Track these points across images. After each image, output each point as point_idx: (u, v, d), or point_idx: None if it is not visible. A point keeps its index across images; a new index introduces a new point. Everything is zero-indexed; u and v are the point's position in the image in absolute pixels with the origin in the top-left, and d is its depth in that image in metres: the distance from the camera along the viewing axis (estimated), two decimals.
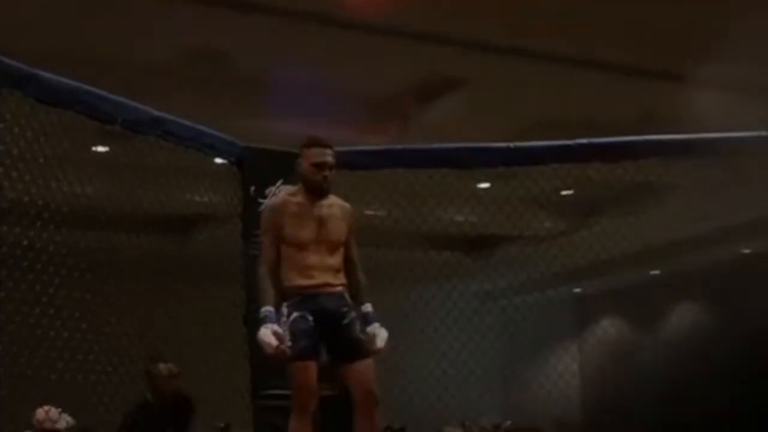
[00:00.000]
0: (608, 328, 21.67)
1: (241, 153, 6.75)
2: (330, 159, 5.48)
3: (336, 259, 5.44)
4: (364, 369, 5.34)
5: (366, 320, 5.47)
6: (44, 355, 6.53)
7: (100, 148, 10.81)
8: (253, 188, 6.65)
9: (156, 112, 6.29)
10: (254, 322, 6.36)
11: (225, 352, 7.07)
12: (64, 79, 5.77)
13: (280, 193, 6.01)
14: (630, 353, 19.24)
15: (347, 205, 5.62)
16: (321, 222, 5.42)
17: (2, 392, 5.96)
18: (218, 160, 6.78)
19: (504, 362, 23.01)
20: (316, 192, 5.47)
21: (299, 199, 5.50)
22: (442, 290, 10.32)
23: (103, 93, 6.00)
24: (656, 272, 21.24)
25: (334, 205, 5.53)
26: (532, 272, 13.09)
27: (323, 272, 5.37)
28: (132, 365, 7.08)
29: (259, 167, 6.72)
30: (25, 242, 6.10)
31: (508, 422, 19.65)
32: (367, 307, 5.51)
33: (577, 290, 24.24)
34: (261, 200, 6.59)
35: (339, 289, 5.42)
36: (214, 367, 7.65)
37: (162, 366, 6.98)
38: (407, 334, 5.65)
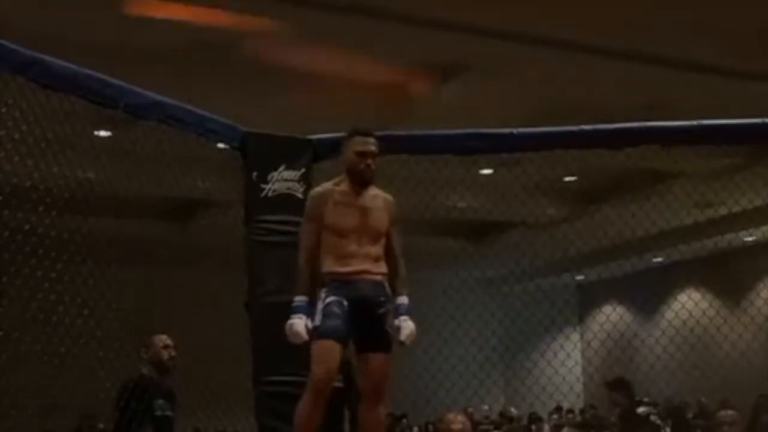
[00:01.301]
0: (610, 314, 21.66)
1: (243, 138, 6.73)
2: (373, 148, 5.55)
3: (376, 248, 5.45)
4: (382, 363, 5.37)
5: (397, 311, 5.45)
6: (47, 341, 6.53)
7: (103, 133, 10.80)
8: (255, 174, 6.62)
9: (158, 97, 6.27)
10: (256, 307, 6.40)
11: (227, 338, 7.07)
12: (66, 64, 5.75)
13: (326, 183, 6.02)
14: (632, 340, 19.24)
15: (390, 197, 5.66)
16: (364, 211, 5.46)
17: (4, 378, 5.96)
18: (220, 145, 6.76)
19: (506, 349, 23.02)
20: (359, 181, 5.53)
21: (343, 188, 5.55)
22: (444, 277, 10.33)
23: (106, 77, 5.98)
24: (659, 259, 21.25)
25: (377, 196, 5.58)
26: (535, 259, 13.08)
27: (362, 260, 5.38)
28: (134, 351, 7.09)
29: (261, 152, 6.69)
30: (27, 227, 6.09)
31: (512, 409, 19.67)
32: (402, 299, 5.49)
33: (579, 277, 24.24)
34: (263, 185, 6.57)
35: (379, 277, 5.43)
36: (215, 352, 7.64)
37: (158, 337, 7.01)
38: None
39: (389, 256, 5.53)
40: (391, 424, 18.52)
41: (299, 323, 5.27)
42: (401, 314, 5.46)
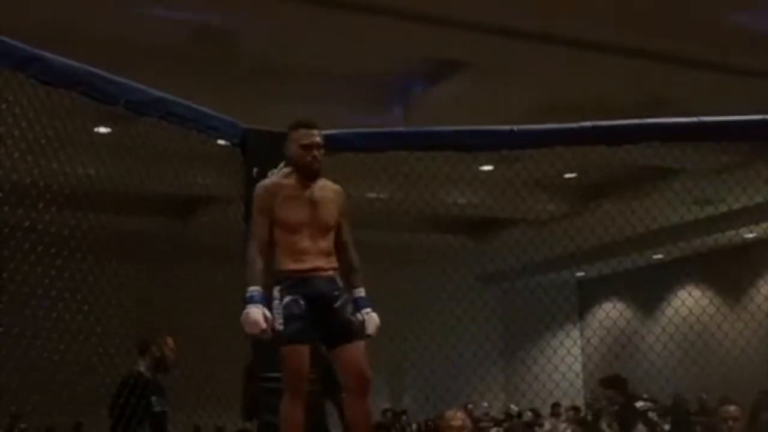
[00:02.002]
0: (610, 311, 21.67)
1: (244, 135, 6.73)
2: (318, 139, 5.50)
3: (328, 243, 5.42)
4: (355, 351, 5.33)
5: (358, 305, 5.44)
6: (46, 337, 6.53)
7: (103, 129, 10.80)
8: (255, 170, 6.61)
9: (159, 93, 6.27)
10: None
11: (227, 334, 7.07)
12: (66, 60, 5.75)
13: (273, 175, 5.98)
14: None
15: (338, 187, 5.60)
16: (313, 205, 5.42)
17: (3, 375, 5.96)
18: (221, 142, 6.76)
19: (506, 346, 23.03)
20: (307, 174, 5.47)
21: (292, 181, 5.50)
22: (444, 273, 10.31)
23: (106, 74, 5.97)
24: (659, 256, 21.25)
25: (325, 187, 5.53)
26: (535, 255, 13.09)
27: (316, 256, 5.35)
28: (132, 347, 7.10)
29: (262, 149, 6.69)
30: (27, 224, 6.09)
31: (512, 406, 19.68)
32: (360, 292, 5.48)
33: (579, 274, 24.25)
34: None
35: (330, 272, 5.40)
36: (215, 348, 7.64)
37: (169, 339, 7.06)
38: (409, 317, 5.62)
39: (341, 248, 5.50)
40: (392, 420, 18.55)
41: (256, 312, 5.19)
42: (363, 307, 5.45)
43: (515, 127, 7.12)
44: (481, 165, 13.47)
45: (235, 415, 7.19)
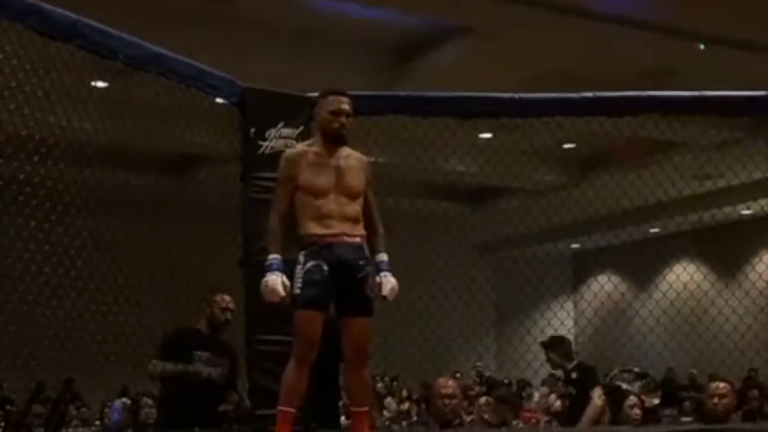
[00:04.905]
0: (605, 284, 21.67)
1: (242, 94, 6.67)
2: (346, 107, 5.52)
3: (354, 209, 5.44)
4: (363, 327, 5.39)
5: (378, 267, 5.48)
6: (38, 292, 6.50)
7: (100, 84, 10.72)
8: (253, 130, 6.56)
9: (157, 49, 6.21)
10: (251, 265, 6.35)
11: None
12: (65, 12, 5.69)
13: (298, 144, 5.97)
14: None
15: (364, 157, 5.64)
16: (339, 171, 5.44)
17: None
18: (219, 100, 6.70)
19: (499, 315, 23.04)
20: (333, 140, 5.50)
21: (317, 149, 5.52)
22: (440, 241, 10.28)
23: (105, 27, 5.92)
24: (656, 230, 21.24)
25: (351, 156, 5.55)
26: (531, 225, 13.05)
27: (342, 221, 5.37)
28: (126, 304, 7.05)
29: (260, 109, 6.64)
30: (22, 176, 6.06)
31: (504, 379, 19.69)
32: (382, 257, 5.52)
33: (575, 245, 24.23)
34: (261, 142, 6.52)
35: (357, 240, 5.42)
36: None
37: (220, 296, 7.04)
38: (404, 284, 5.59)
39: (367, 215, 5.54)
40: (389, 389, 18.56)
41: (275, 279, 5.25)
42: (382, 270, 5.49)
43: (517, 95, 7.09)
44: (481, 132, 13.41)
45: None
